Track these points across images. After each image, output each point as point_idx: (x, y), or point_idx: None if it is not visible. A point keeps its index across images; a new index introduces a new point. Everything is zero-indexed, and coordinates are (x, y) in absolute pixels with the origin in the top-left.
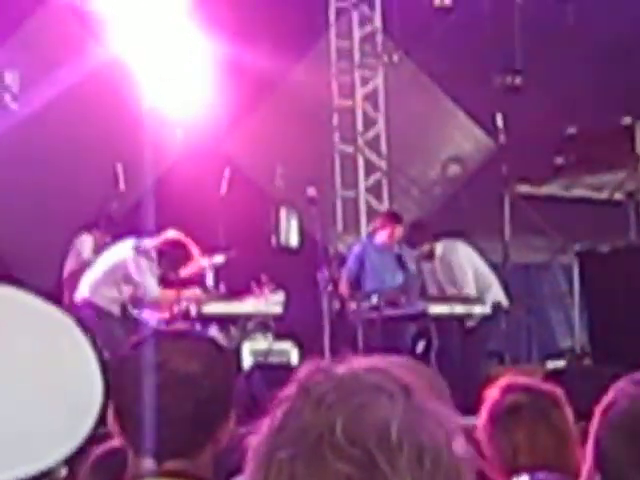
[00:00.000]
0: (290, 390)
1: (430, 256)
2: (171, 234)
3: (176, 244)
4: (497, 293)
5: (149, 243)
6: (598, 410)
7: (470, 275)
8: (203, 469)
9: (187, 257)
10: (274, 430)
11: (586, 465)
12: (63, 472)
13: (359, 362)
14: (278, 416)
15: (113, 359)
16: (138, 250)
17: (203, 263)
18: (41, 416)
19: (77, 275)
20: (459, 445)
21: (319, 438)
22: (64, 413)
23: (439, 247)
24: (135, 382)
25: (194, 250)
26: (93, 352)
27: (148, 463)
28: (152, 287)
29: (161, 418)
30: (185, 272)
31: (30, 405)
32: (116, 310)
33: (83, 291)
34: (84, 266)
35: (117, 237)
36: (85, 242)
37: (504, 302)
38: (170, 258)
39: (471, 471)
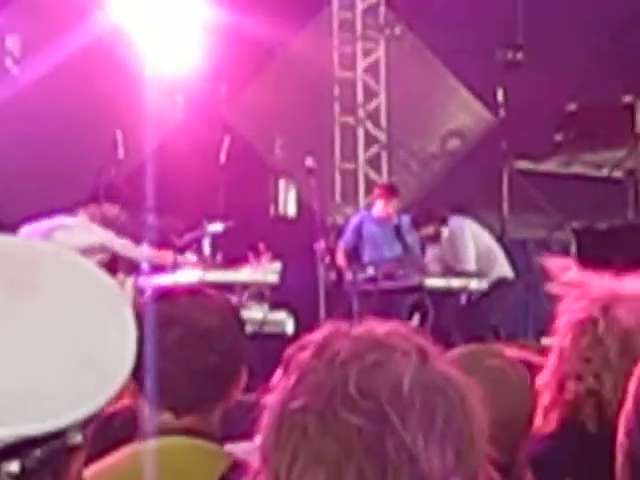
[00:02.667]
0: (307, 350)
1: (436, 238)
2: None
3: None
4: (503, 268)
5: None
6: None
7: (472, 252)
8: (213, 426)
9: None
10: (289, 387)
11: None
12: (78, 438)
13: (378, 326)
14: (294, 374)
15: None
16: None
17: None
18: (58, 377)
19: None
20: (473, 408)
21: (332, 392)
22: (84, 379)
23: (445, 230)
24: (153, 336)
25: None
26: (135, 331)
27: (167, 417)
28: (140, 249)
29: (181, 372)
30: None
31: (50, 364)
32: None
33: None
34: None
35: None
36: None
37: (510, 276)
38: None
39: (484, 434)
